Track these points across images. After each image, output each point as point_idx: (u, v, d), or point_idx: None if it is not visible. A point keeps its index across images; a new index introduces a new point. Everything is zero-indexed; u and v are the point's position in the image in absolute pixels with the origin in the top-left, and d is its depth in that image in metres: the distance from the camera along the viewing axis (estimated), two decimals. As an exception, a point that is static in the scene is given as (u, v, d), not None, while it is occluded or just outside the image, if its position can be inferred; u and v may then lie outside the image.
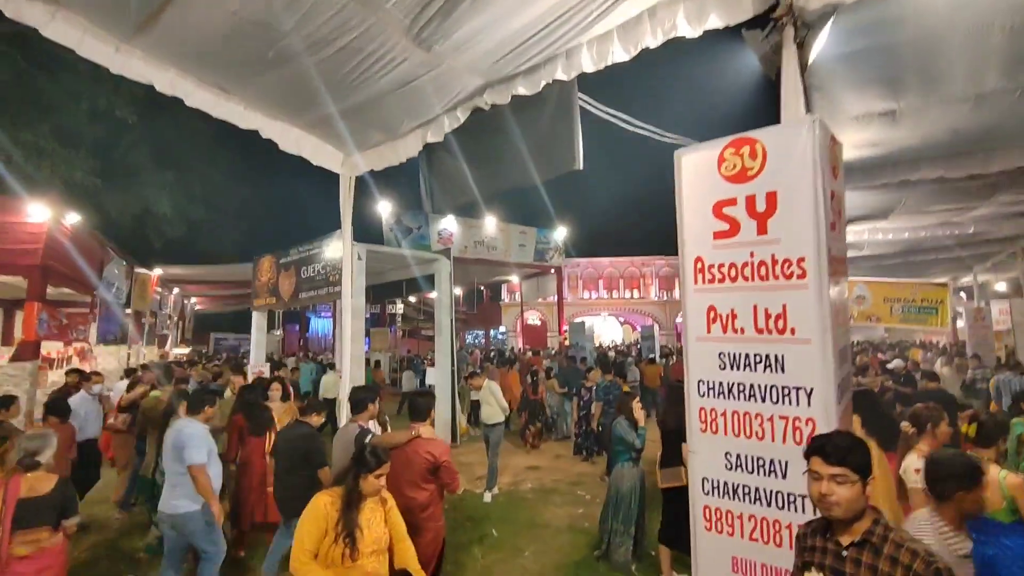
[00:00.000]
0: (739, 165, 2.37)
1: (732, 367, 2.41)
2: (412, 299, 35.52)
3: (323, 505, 2.33)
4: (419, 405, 3.35)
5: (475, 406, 9.53)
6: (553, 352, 22.29)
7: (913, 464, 2.92)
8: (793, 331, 2.24)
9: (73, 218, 9.76)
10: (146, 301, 14.82)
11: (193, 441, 3.40)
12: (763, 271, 2.31)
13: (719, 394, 2.45)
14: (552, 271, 25.94)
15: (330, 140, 5.40)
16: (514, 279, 28.94)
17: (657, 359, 15.88)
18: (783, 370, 2.27)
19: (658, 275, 38.51)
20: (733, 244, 2.40)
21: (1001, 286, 17.13)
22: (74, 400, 5.63)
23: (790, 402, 2.25)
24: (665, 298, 37.92)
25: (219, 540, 3.55)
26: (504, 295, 38.03)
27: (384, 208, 19.67)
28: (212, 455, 3.53)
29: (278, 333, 29.59)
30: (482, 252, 21.96)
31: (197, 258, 16.77)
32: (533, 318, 37.96)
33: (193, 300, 25.10)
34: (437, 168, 4.82)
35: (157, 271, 15.01)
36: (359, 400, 3.50)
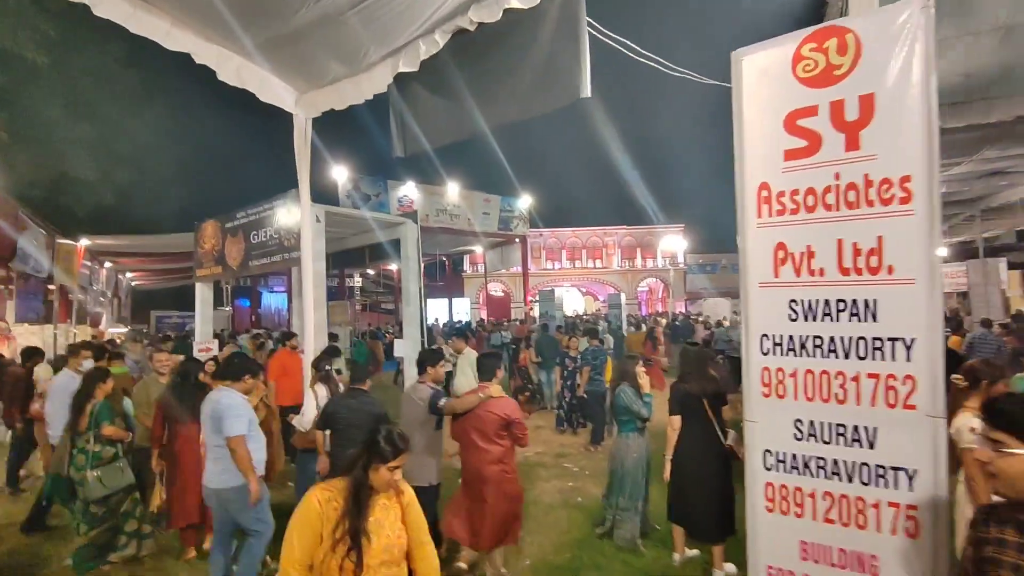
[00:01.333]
0: (822, 63, 1.88)
1: (807, 317, 1.98)
2: (371, 272, 34.28)
3: (316, 503, 1.75)
4: (487, 365, 3.53)
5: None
6: (519, 322, 21.97)
7: (967, 423, 2.62)
8: (891, 270, 1.81)
9: (-26, 178, 8.40)
10: (72, 275, 13.32)
11: (232, 411, 3.24)
12: (852, 196, 1.87)
13: (788, 351, 2.02)
14: (517, 240, 25.36)
15: (281, 73, 4.58)
16: (477, 249, 28.22)
17: (624, 328, 15.84)
18: (875, 318, 1.85)
19: (620, 244, 38.68)
20: (812, 164, 1.94)
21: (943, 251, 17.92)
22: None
23: (883, 356, 1.84)
24: (627, 267, 38.24)
25: (267, 516, 3.39)
26: (466, 266, 37.36)
27: (340, 173, 18.47)
28: (253, 426, 3.37)
29: (227, 309, 27.92)
30: (444, 220, 21.16)
31: (131, 228, 15.17)
32: (496, 289, 37.58)
33: (130, 275, 23.16)
34: (410, 104, 4.13)
35: (83, 242, 13.46)
36: (423, 361, 3.70)
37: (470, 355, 6.06)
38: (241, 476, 3.19)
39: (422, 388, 3.57)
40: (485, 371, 3.50)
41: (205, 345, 9.18)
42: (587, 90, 3.06)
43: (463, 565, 3.56)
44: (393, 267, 29.56)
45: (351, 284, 31.49)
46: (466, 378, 5.97)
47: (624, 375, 3.95)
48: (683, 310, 33.54)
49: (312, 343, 5.07)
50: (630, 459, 3.92)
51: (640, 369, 3.94)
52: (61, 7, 10.17)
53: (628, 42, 3.53)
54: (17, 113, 10.61)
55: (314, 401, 4.17)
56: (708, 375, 3.52)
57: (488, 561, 3.50)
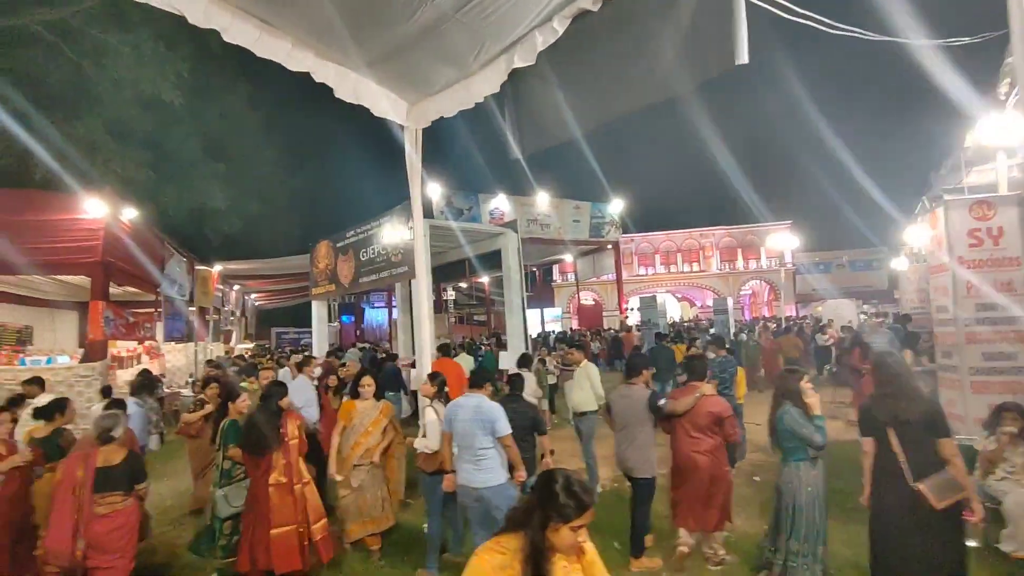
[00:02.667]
0: None
1: None
2: (463, 284, 35.16)
3: (488, 569, 1.46)
4: (697, 367, 3.96)
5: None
6: (615, 331, 21.13)
7: None
8: None
9: (130, 213, 9.52)
10: (209, 298, 14.82)
11: (498, 413, 3.47)
12: None
13: None
14: (609, 247, 24.57)
15: (393, 85, 4.56)
16: (567, 258, 27.75)
17: (756, 335, 14.53)
18: None
19: (718, 246, 36.33)
20: None
21: None
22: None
23: None
24: (727, 270, 35.76)
25: None
26: (556, 275, 37.01)
27: (434, 191, 19.05)
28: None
29: (335, 324, 29.88)
30: (536, 230, 20.99)
31: (255, 253, 16.70)
32: (587, 298, 36.81)
33: (253, 296, 25.51)
34: (527, 101, 3.87)
35: (217, 267, 14.96)
36: (635, 365, 4.09)
37: (588, 368, 5.64)
38: (502, 475, 3.47)
39: (637, 389, 3.99)
40: (697, 373, 3.94)
41: (322, 359, 9.64)
42: (744, 55, 2.58)
43: (685, 549, 3.90)
44: (484, 279, 29.98)
45: (445, 298, 32.44)
46: (584, 392, 5.55)
47: (786, 393, 3.32)
48: (793, 314, 30.61)
49: (429, 356, 4.97)
50: (803, 494, 3.28)
51: (807, 385, 3.30)
52: (193, 51, 11.44)
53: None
54: (161, 154, 12.05)
55: (436, 419, 3.96)
56: (908, 393, 2.84)
57: (707, 542, 3.90)
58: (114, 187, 9.63)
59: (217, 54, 11.89)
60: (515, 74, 3.82)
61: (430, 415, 4.03)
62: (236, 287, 20.34)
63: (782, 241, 32.47)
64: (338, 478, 4.13)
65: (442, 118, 4.67)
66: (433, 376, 4.23)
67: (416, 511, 5.24)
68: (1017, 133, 4.80)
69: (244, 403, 4.08)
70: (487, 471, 3.41)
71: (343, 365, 7.95)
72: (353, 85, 4.28)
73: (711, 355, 6.59)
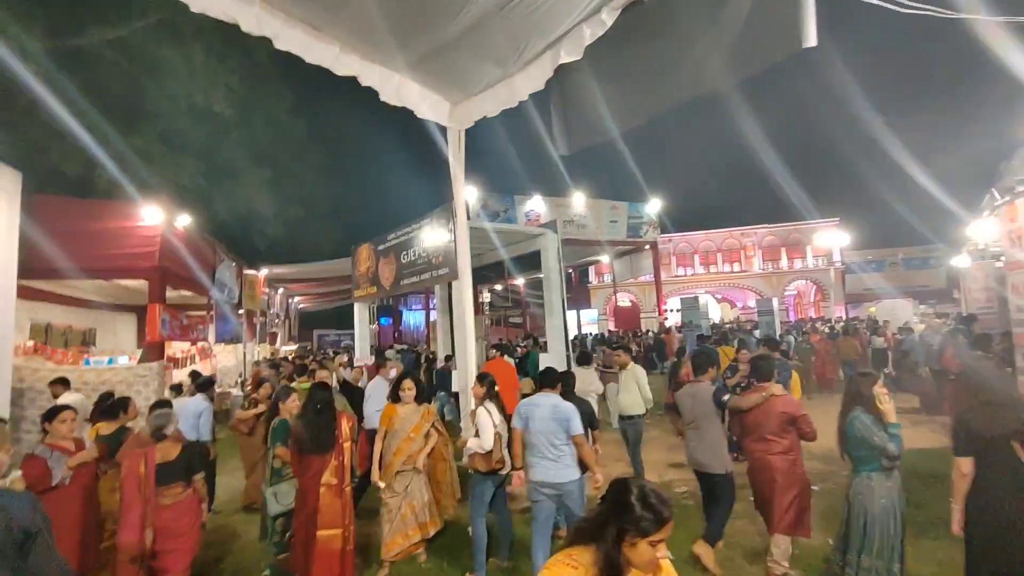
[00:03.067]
0: None
1: None
2: (498, 287, 35.22)
3: None
4: (763, 368, 3.81)
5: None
6: (654, 333, 20.69)
7: None
8: None
9: (184, 220, 9.93)
10: (256, 301, 15.34)
11: (573, 412, 3.62)
12: None
13: None
14: (646, 247, 24.11)
15: (435, 86, 4.57)
16: (604, 259, 27.43)
17: (777, 336, 13.95)
18: None
19: (760, 245, 35.09)
20: None
21: None
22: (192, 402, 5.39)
23: None
24: (770, 269, 34.49)
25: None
26: (592, 277, 36.61)
27: (470, 193, 19.16)
28: None
29: (373, 326, 30.50)
30: (572, 231, 20.81)
31: (298, 257, 17.21)
32: (624, 299, 36.25)
33: (296, 299, 26.30)
34: (574, 96, 3.79)
35: (263, 271, 15.48)
36: (701, 363, 4.14)
37: (636, 370, 5.49)
38: (577, 471, 3.59)
39: (703, 386, 4.03)
40: (763, 373, 3.80)
41: (364, 361, 9.79)
42: (812, 37, 2.42)
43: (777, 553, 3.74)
44: (519, 281, 29.96)
45: (481, 299, 32.55)
46: (631, 395, 5.41)
47: (857, 398, 3.10)
48: (843, 315, 29.23)
49: (472, 357, 4.95)
50: (876, 506, 3.05)
51: (881, 390, 3.08)
52: (241, 63, 11.92)
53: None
54: (212, 162, 12.58)
55: (489, 419, 3.93)
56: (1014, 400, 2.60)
57: (772, 543, 3.66)
58: (169, 194, 10.10)
59: (263, 64, 12.35)
60: (561, 69, 3.76)
61: (482, 415, 4.01)
62: (281, 290, 21.00)
63: (831, 239, 31.14)
64: (381, 484, 4.06)
65: (484, 118, 4.68)
66: (482, 377, 4.21)
67: (463, 513, 5.22)
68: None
69: (294, 403, 4.14)
70: (566, 467, 3.56)
71: (382, 365, 8.07)
72: (396, 87, 4.31)
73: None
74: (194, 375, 7.91)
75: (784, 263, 34.67)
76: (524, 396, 6.81)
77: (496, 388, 4.20)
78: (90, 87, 10.21)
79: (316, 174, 17.47)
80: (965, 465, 2.72)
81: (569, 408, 3.63)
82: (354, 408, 5.82)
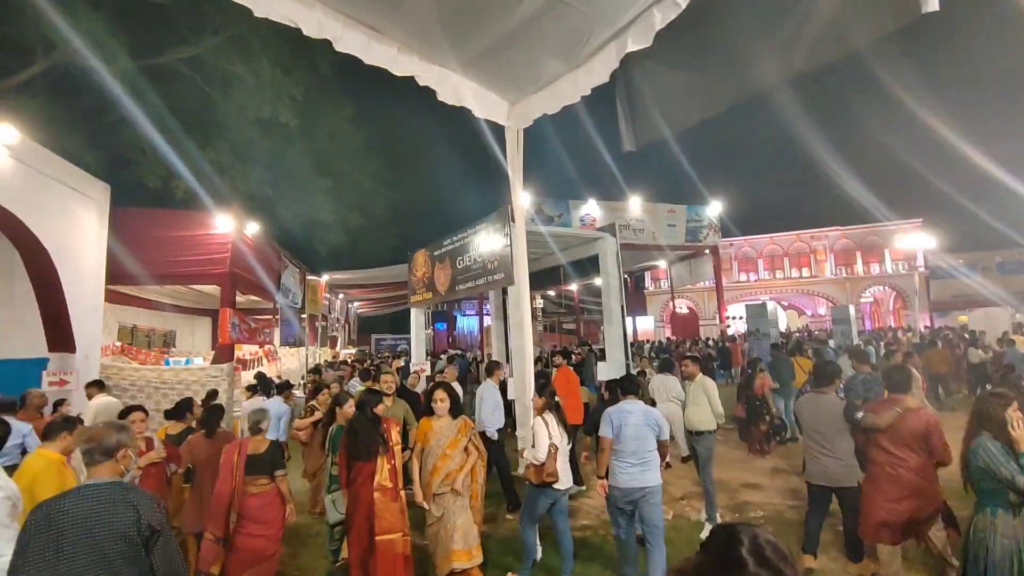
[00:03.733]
0: None
1: None
2: (551, 292, 34.99)
3: None
4: (897, 379, 3.74)
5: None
6: (715, 341, 19.71)
7: None
8: None
9: (253, 228, 10.39)
10: (318, 306, 15.90)
11: (663, 419, 3.81)
12: None
13: None
14: (706, 252, 23.12)
15: (493, 84, 4.44)
16: (660, 264, 26.55)
17: (861, 345, 12.81)
18: None
19: (832, 249, 32.91)
20: None
21: None
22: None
23: None
24: (844, 275, 32.22)
25: None
26: (648, 282, 35.63)
27: (524, 198, 19.02)
28: None
29: (428, 331, 31.00)
30: (628, 236, 20.27)
31: (357, 264, 17.71)
32: (681, 306, 34.99)
33: (355, 304, 27.15)
34: (637, 87, 3.54)
35: (324, 277, 16.02)
36: (826, 373, 4.11)
37: (705, 382, 5.10)
38: (660, 476, 3.73)
39: (829, 398, 4.01)
40: (898, 385, 3.71)
41: (420, 366, 9.83)
42: (934, 0, 2.07)
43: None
44: (573, 287, 29.57)
45: (534, 305, 32.37)
46: (701, 409, 5.03)
47: (985, 421, 2.65)
48: (928, 324, 26.78)
49: (530, 364, 4.76)
50: (998, 547, 2.59)
51: (1016, 414, 2.61)
52: (305, 75, 12.43)
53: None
54: (278, 172, 13.17)
55: (545, 431, 3.74)
56: None
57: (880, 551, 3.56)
58: (239, 203, 10.60)
59: (326, 76, 12.82)
60: (627, 59, 3.53)
61: (539, 426, 3.84)
62: (341, 296, 21.72)
63: (914, 241, 28.60)
64: (426, 506, 3.76)
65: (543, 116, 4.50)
66: (542, 388, 4.05)
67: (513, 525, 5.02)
68: None
69: (351, 409, 4.11)
70: (653, 470, 3.71)
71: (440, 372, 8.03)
72: (454, 87, 4.21)
73: (852, 371, 5.75)
74: (260, 376, 8.20)
75: (859, 268, 32.33)
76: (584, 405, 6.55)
77: (557, 399, 4.01)
78: (167, 103, 10.98)
79: (375, 182, 17.97)
80: None
81: (659, 414, 3.82)
82: (414, 413, 5.79)
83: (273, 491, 3.57)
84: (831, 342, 12.93)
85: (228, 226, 9.30)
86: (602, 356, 10.58)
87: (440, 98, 4.17)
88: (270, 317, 13.27)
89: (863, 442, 3.77)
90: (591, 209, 20.83)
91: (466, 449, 3.87)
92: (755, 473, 6.63)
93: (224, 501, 3.35)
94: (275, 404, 5.82)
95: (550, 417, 3.89)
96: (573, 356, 17.05)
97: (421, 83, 3.98)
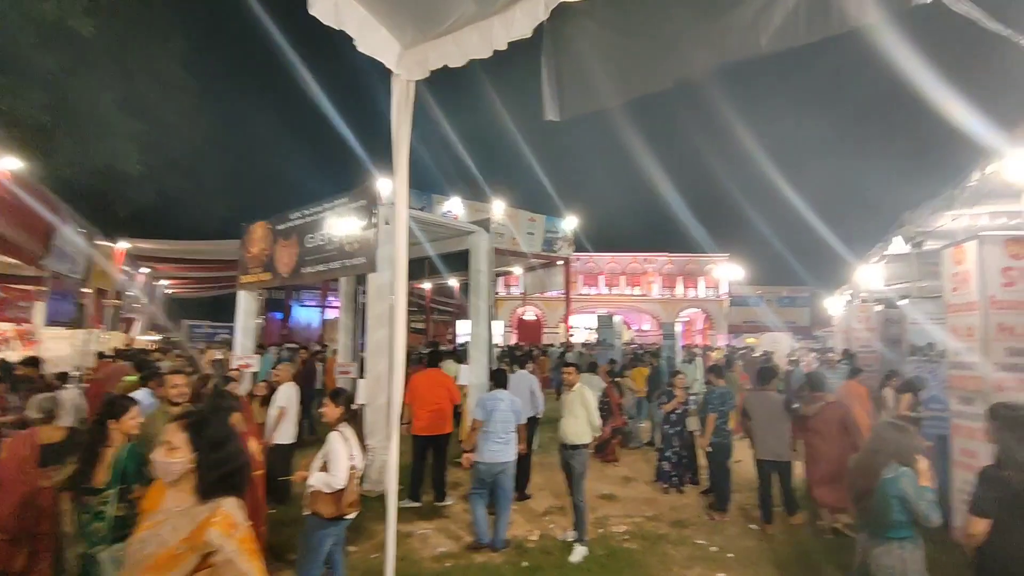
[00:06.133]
0: None
1: None
2: (403, 289, 33.32)
3: None
4: (818, 381, 5.14)
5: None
6: (559, 350, 20.57)
7: None
8: None
9: (13, 163, 7.63)
10: (109, 280, 12.64)
11: (521, 406, 4.84)
12: None
13: None
14: (560, 262, 24.16)
15: (385, 17, 3.54)
16: (515, 270, 27.09)
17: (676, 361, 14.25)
18: None
19: (661, 272, 37.11)
20: None
21: None
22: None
23: None
24: (668, 296, 36.51)
25: None
26: (500, 287, 36.26)
27: (384, 186, 17.79)
28: None
29: (259, 320, 27.31)
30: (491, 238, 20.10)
31: (174, 233, 14.58)
32: (529, 313, 36.37)
33: (164, 282, 22.69)
34: (570, 47, 3.01)
35: (123, 244, 12.79)
36: (767, 375, 5.47)
37: (584, 392, 4.77)
38: (515, 452, 4.64)
39: (771, 394, 5.30)
40: (818, 385, 5.09)
41: (244, 360, 8.16)
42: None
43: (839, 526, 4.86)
44: (426, 285, 28.54)
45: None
46: (578, 421, 4.67)
47: (898, 450, 2.59)
48: (727, 343, 31.60)
49: (402, 366, 3.90)
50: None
51: (923, 443, 2.61)
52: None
53: None
54: (64, 98, 9.96)
55: (344, 449, 3.21)
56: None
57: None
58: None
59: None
60: (560, 11, 2.96)
61: (336, 443, 3.16)
62: (145, 270, 17.84)
63: (726, 271, 33.61)
64: None
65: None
66: (336, 394, 3.51)
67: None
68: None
69: (134, 421, 2.85)
70: (513, 448, 4.62)
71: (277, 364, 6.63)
72: (336, 4, 3.24)
73: (696, 383, 5.99)
74: (30, 362, 6.08)
75: (680, 290, 36.93)
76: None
77: (353, 406, 3.47)
78: None
79: (206, 139, 14.96)
80: (978, 525, 2.35)
81: (519, 402, 4.86)
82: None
83: None
84: (662, 355, 14.10)
85: (-31, 154, 6.63)
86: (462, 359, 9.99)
87: (313, 11, 3.15)
88: (31, 288, 10.08)
89: (798, 427, 4.97)
90: (455, 206, 20.33)
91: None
92: (609, 482, 6.61)
93: (15, 497, 2.98)
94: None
95: (349, 432, 3.30)
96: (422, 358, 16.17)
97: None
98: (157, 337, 19.80)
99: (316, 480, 3.11)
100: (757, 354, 17.71)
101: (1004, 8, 2.43)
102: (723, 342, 32.38)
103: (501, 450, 4.50)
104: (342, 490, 3.09)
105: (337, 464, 3.09)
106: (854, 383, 6.34)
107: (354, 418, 3.43)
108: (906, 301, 9.81)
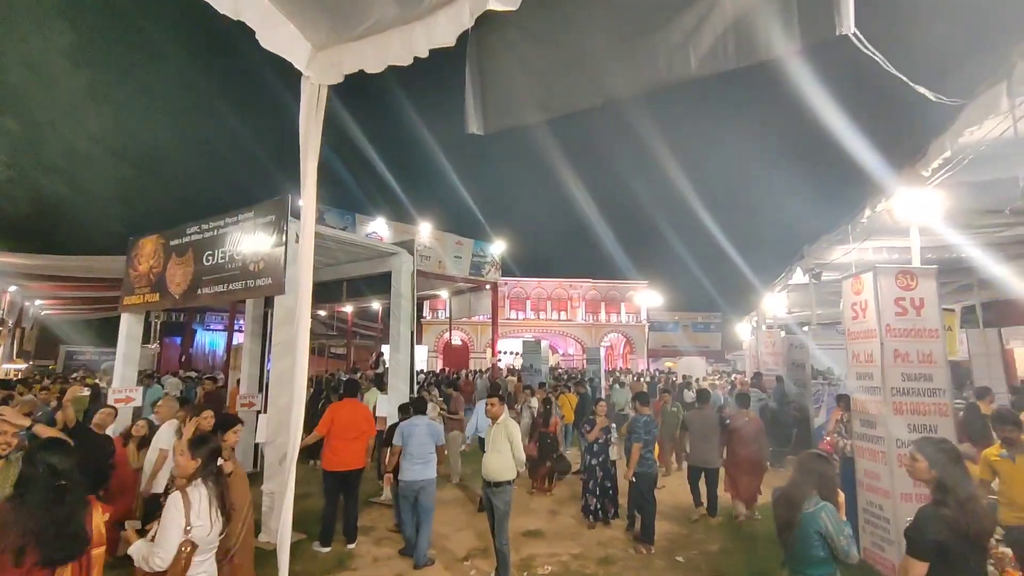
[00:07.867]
0: None
1: None
2: (321, 312, 31.88)
3: None
4: (745, 400, 6.66)
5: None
6: (483, 374, 20.29)
7: None
8: None
9: None
10: (-39, 297, 10.78)
11: (441, 429, 5.43)
12: None
13: None
14: (487, 287, 24.03)
15: (296, 13, 3.20)
16: (442, 294, 26.62)
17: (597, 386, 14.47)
18: None
19: (584, 297, 38.09)
20: None
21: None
22: None
23: None
24: (591, 321, 37.46)
25: None
26: (426, 312, 35.48)
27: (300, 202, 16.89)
28: None
29: (153, 346, 24.62)
30: (417, 261, 19.60)
31: (51, 247, 12.80)
32: (455, 338, 35.78)
33: (39, 302, 19.91)
34: (495, 58, 2.84)
35: (-18, 258, 11.02)
36: (704, 396, 6.83)
37: (508, 425, 4.49)
38: (434, 471, 5.03)
39: (709, 412, 6.62)
40: (745, 403, 6.61)
41: (125, 395, 7.11)
42: (850, 23, 1.87)
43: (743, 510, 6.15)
44: (348, 308, 27.26)
45: (301, 325, 28.78)
46: (502, 457, 4.37)
47: (820, 481, 2.55)
48: (646, 368, 32.80)
49: (303, 397, 3.43)
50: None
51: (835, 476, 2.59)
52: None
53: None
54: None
55: (182, 513, 2.39)
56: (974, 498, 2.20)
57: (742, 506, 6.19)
58: None
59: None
60: (480, 26, 2.79)
61: (171, 508, 2.40)
62: (13, 288, 15.51)
63: (646, 298, 35.14)
64: None
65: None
66: (199, 443, 2.58)
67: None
68: (934, 209, 5.04)
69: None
70: (431, 467, 5.00)
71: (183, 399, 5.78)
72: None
73: (632, 413, 5.92)
74: None
75: (603, 316, 38.04)
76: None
77: (215, 455, 2.66)
78: None
79: (96, 144, 13.40)
80: (916, 569, 2.25)
81: (439, 426, 5.50)
82: (99, 476, 3.84)
83: None
84: (589, 379, 14.22)
85: None
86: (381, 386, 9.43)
87: (212, 2, 2.76)
88: None
89: (726, 438, 6.30)
90: (379, 227, 19.71)
91: None
92: (536, 517, 6.33)
93: None
94: None
95: (203, 492, 2.46)
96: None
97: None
98: (23, 365, 17.17)
99: (134, 552, 2.39)
100: (678, 380, 18.40)
101: (905, 54, 2.57)
102: (643, 366, 33.61)
103: (420, 470, 4.88)
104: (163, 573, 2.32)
105: (165, 536, 2.34)
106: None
107: (218, 475, 2.58)
108: (806, 328, 10.51)
